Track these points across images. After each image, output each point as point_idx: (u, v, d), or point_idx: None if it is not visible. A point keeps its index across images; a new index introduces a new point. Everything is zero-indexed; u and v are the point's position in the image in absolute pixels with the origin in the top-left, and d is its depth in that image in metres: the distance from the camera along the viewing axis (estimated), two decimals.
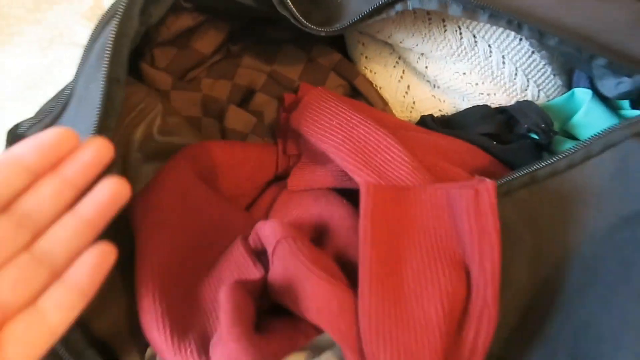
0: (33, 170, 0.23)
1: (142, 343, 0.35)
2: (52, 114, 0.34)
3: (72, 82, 0.35)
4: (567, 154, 0.31)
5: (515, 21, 0.31)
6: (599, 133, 0.30)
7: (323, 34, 0.34)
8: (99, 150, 0.24)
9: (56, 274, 0.24)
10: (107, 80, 0.28)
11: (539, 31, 0.31)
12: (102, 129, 0.29)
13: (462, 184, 0.28)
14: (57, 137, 0.23)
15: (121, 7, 0.29)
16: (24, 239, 0.23)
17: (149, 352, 0.35)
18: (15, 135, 0.34)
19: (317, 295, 0.27)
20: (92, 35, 0.34)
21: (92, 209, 0.24)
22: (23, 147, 0.22)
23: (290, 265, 0.28)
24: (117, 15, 0.29)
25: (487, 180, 0.27)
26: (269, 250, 0.30)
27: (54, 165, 0.23)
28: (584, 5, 0.30)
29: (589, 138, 0.30)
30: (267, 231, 0.31)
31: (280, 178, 0.42)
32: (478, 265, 0.27)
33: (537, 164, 0.31)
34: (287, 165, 0.41)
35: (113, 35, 0.28)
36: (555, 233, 0.30)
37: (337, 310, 0.27)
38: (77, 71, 0.35)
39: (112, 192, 0.24)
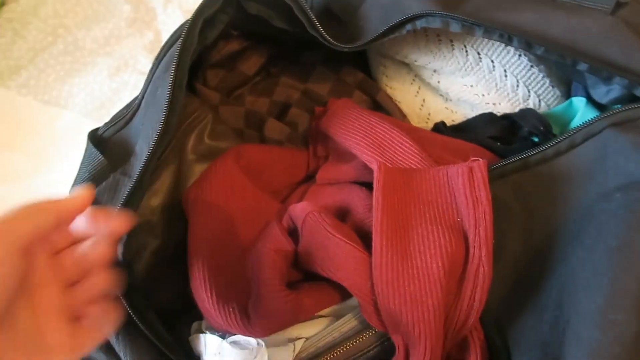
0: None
1: (192, 319, 0.41)
2: (124, 118, 0.42)
3: (140, 94, 0.43)
4: (554, 143, 0.36)
5: (506, 35, 0.37)
6: (581, 125, 0.35)
7: (346, 49, 0.40)
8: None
9: None
10: (173, 84, 0.36)
11: (526, 42, 0.37)
12: (167, 125, 0.36)
13: (459, 165, 0.34)
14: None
15: (185, 28, 0.37)
16: None
17: (194, 326, 0.41)
18: (94, 136, 0.42)
19: (337, 255, 0.32)
20: (159, 54, 0.42)
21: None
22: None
23: (315, 232, 0.34)
24: (182, 35, 0.36)
25: (480, 159, 0.33)
26: (299, 224, 0.36)
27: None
28: (561, 20, 0.36)
29: (573, 129, 0.36)
30: (298, 209, 0.37)
31: (310, 179, 0.48)
32: (474, 229, 0.32)
33: (528, 152, 0.36)
34: (316, 166, 0.47)
35: (179, 49, 0.36)
36: (545, 210, 0.35)
37: (354, 266, 0.32)
38: (145, 84, 0.43)
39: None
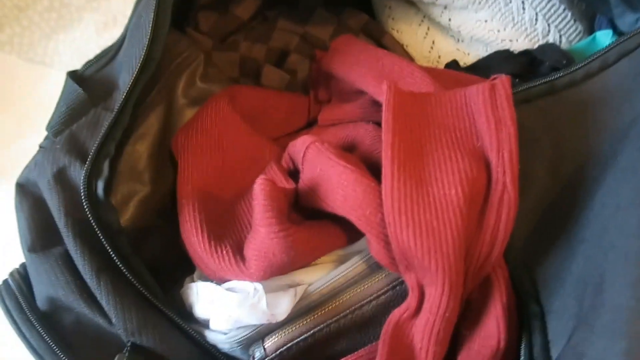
0: None
1: (183, 274, 0.37)
2: (107, 55, 0.38)
3: (124, 30, 0.39)
4: (584, 63, 0.32)
5: None
6: (613, 43, 0.32)
7: None
8: None
9: None
10: (157, 7, 0.32)
11: None
12: (152, 51, 0.33)
13: (479, 84, 0.30)
14: None
15: None
16: None
17: (187, 280, 0.37)
18: (74, 75, 0.38)
19: (342, 184, 0.29)
20: None
21: None
22: None
23: (318, 163, 0.30)
24: None
25: (503, 75, 0.29)
26: (299, 158, 0.33)
27: None
28: None
29: (604, 48, 0.32)
30: (298, 144, 0.33)
31: (312, 126, 0.44)
32: (496, 153, 0.28)
33: (555, 74, 0.32)
34: (318, 112, 0.43)
35: None
36: (575, 136, 0.31)
37: (362, 195, 0.28)
38: (130, 17, 0.39)
39: None
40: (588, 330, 0.22)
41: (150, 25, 0.32)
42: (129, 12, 0.60)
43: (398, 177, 0.27)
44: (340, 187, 0.29)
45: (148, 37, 0.32)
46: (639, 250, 0.22)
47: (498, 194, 0.27)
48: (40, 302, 0.32)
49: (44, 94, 0.57)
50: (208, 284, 0.32)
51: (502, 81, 0.29)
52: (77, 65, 0.57)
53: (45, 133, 0.55)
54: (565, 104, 0.32)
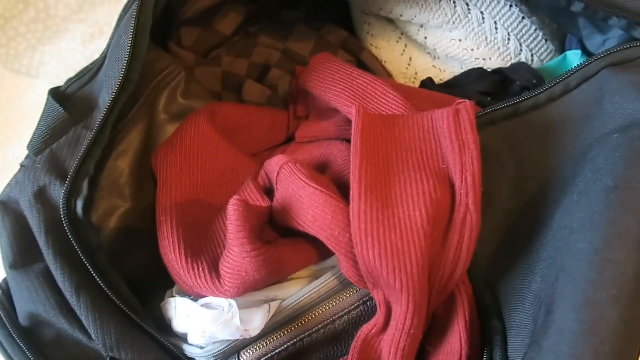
0: None
1: (164, 286, 0.38)
2: (88, 73, 0.39)
3: (105, 47, 0.40)
4: (546, 87, 0.33)
5: None
6: (574, 67, 0.33)
7: None
8: None
9: None
10: (135, 28, 0.33)
11: None
12: (130, 72, 0.34)
13: (444, 108, 0.31)
14: None
15: None
16: None
17: (167, 294, 0.38)
18: (55, 93, 0.39)
19: (313, 205, 0.30)
20: (125, 6, 0.39)
21: None
22: None
23: (290, 183, 0.32)
24: None
25: (466, 100, 0.30)
26: (273, 177, 0.34)
27: None
28: None
29: (566, 72, 0.33)
30: (273, 163, 0.34)
31: (291, 140, 0.45)
32: (460, 175, 0.29)
33: (519, 97, 0.33)
34: (297, 127, 0.45)
35: None
36: (538, 158, 0.32)
37: (331, 217, 0.29)
38: (111, 36, 0.40)
39: None
40: (537, 350, 0.23)
41: (129, 46, 0.33)
42: (114, 24, 0.61)
43: (365, 200, 0.29)
44: (310, 208, 0.30)
45: (127, 58, 0.33)
46: (585, 273, 0.23)
47: (461, 215, 0.29)
48: (22, 317, 0.33)
49: (30, 104, 0.58)
50: (185, 299, 0.33)
51: (465, 106, 0.30)
52: (63, 76, 0.58)
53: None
54: (528, 126, 0.33)
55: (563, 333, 0.22)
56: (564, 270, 0.25)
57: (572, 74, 0.33)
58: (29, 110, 0.58)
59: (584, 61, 0.33)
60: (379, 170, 0.30)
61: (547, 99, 0.33)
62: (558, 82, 0.33)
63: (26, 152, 0.56)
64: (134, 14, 0.33)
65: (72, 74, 0.58)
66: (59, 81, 0.58)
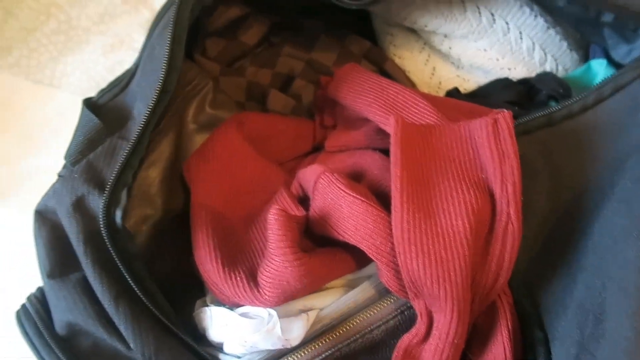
0: None
1: (194, 298, 0.38)
2: (120, 84, 0.40)
3: (136, 59, 0.41)
4: (580, 97, 0.33)
5: None
6: (608, 77, 0.33)
7: (354, 7, 0.38)
8: None
9: None
10: (172, 39, 0.33)
11: None
12: (167, 83, 0.34)
13: (482, 118, 0.31)
14: None
15: None
16: None
17: (198, 303, 0.38)
18: (89, 103, 0.39)
19: (354, 214, 0.30)
20: (156, 18, 0.40)
21: None
22: None
23: (329, 193, 0.32)
24: None
25: (505, 110, 0.31)
26: (310, 188, 0.34)
27: None
28: None
29: (600, 82, 0.33)
30: (308, 172, 0.35)
31: (317, 150, 0.46)
32: (500, 185, 0.29)
33: (553, 107, 0.34)
34: (323, 136, 0.45)
35: (178, 3, 0.33)
36: (573, 167, 0.32)
37: (372, 226, 0.30)
38: (141, 49, 0.40)
39: None
40: (590, 359, 0.23)
41: (166, 58, 0.33)
42: (135, 35, 0.61)
43: (407, 209, 0.29)
44: (351, 217, 0.30)
45: (163, 70, 0.34)
46: (635, 282, 0.23)
47: (503, 224, 0.29)
48: (59, 327, 0.33)
49: (52, 115, 0.58)
50: (222, 309, 0.33)
51: (504, 116, 0.30)
52: (85, 86, 0.59)
53: (49, 153, 0.56)
54: (563, 136, 0.33)
55: (618, 341, 0.22)
56: (612, 279, 0.25)
57: (606, 83, 0.33)
58: (51, 120, 0.58)
59: (617, 71, 0.33)
60: (419, 180, 0.30)
61: (581, 108, 0.34)
62: (591, 92, 0.33)
63: (48, 161, 0.56)
64: (171, 25, 0.34)
65: (93, 84, 0.59)
66: (81, 92, 0.58)
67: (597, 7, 0.34)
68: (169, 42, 0.33)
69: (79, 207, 0.33)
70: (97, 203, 0.32)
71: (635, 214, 0.26)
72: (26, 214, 0.36)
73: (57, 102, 0.58)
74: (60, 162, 0.39)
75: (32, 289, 0.46)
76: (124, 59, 0.59)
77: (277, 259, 0.30)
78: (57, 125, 0.58)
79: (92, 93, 0.58)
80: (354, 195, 0.30)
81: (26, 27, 0.62)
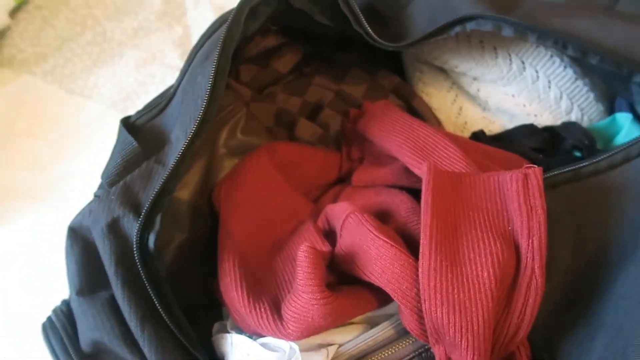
0: None
1: (213, 319, 0.39)
2: (158, 106, 0.41)
3: (175, 82, 0.42)
4: (608, 155, 0.34)
5: (561, 41, 0.36)
6: (637, 138, 0.34)
7: (391, 48, 0.39)
8: None
9: None
10: (216, 71, 0.35)
11: (581, 50, 0.36)
12: (207, 113, 0.35)
13: (512, 171, 0.32)
14: None
15: (231, 15, 0.35)
16: None
17: (216, 326, 0.39)
18: (127, 123, 0.41)
19: (381, 257, 0.31)
20: (197, 45, 0.41)
21: None
22: None
23: (357, 233, 0.33)
24: (228, 22, 0.35)
25: (535, 166, 0.31)
26: (338, 225, 0.35)
27: None
28: (619, 29, 0.35)
29: (628, 142, 0.34)
30: (337, 209, 0.35)
31: (342, 181, 0.47)
32: (527, 239, 0.30)
33: (580, 163, 0.34)
34: (349, 168, 0.46)
35: (224, 36, 0.35)
36: (597, 223, 0.33)
37: (399, 270, 0.30)
38: (181, 74, 0.41)
39: None
40: None
41: (208, 89, 0.34)
42: (167, 51, 0.63)
43: (435, 257, 0.30)
44: (379, 260, 0.31)
45: (205, 100, 0.35)
46: None
47: (527, 279, 0.30)
48: (84, 343, 0.34)
49: (80, 125, 0.59)
50: (243, 337, 0.34)
51: (535, 172, 0.31)
52: (116, 98, 0.60)
53: (79, 161, 0.57)
54: (588, 192, 0.34)
55: None
56: (633, 344, 0.26)
57: (634, 143, 0.34)
58: (78, 130, 0.59)
59: None
60: (447, 228, 0.31)
61: (608, 166, 0.34)
62: (619, 151, 0.34)
63: (74, 169, 0.57)
64: (216, 57, 0.35)
65: (124, 96, 0.60)
66: (111, 103, 0.60)
67: (629, 68, 0.35)
68: (212, 73, 0.35)
69: (114, 228, 0.34)
70: (131, 226, 0.33)
71: None
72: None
73: (87, 111, 0.60)
74: (89, 170, 0.40)
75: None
76: (155, 74, 0.61)
77: (304, 296, 0.31)
78: (87, 134, 0.59)
79: (122, 105, 0.60)
80: (383, 238, 0.31)
81: (61, 35, 0.63)
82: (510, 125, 0.47)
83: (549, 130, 0.45)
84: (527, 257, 0.30)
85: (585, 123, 0.46)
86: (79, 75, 0.61)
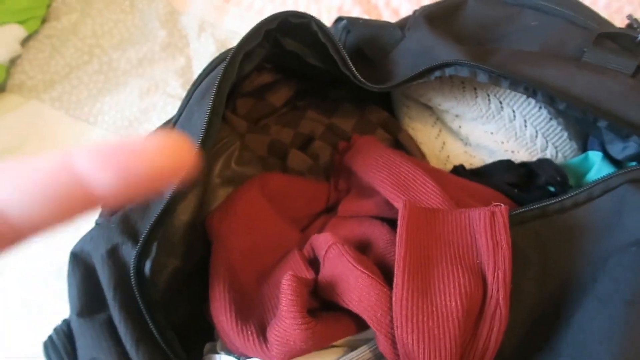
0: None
1: (203, 341, 0.41)
2: None
3: (174, 117, 0.45)
4: (572, 194, 0.37)
5: (531, 88, 0.39)
6: (599, 179, 0.37)
7: (376, 89, 0.42)
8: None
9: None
10: (211, 111, 0.38)
11: (550, 97, 0.39)
12: (203, 149, 0.38)
13: (481, 208, 0.35)
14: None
15: (228, 59, 0.39)
16: None
17: (207, 347, 0.41)
18: None
19: (358, 287, 0.33)
20: (195, 82, 0.44)
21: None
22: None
23: (338, 264, 0.35)
24: (225, 65, 0.38)
25: (502, 205, 0.34)
26: (321, 254, 0.37)
27: None
28: (585, 79, 0.38)
29: (591, 182, 0.37)
30: (320, 239, 0.38)
31: (330, 210, 0.49)
32: (492, 272, 0.33)
33: (547, 201, 0.37)
34: (337, 199, 0.49)
35: (220, 78, 0.38)
36: (561, 259, 0.36)
37: (375, 299, 0.33)
38: (179, 109, 0.45)
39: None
40: None
41: (204, 127, 0.37)
42: (170, 80, 0.66)
43: (407, 287, 0.32)
44: (356, 289, 0.33)
45: (200, 137, 0.37)
46: None
47: (492, 309, 0.32)
48: None
49: None
50: (230, 358, 0.36)
51: (501, 210, 0.34)
52: (119, 124, 0.63)
53: None
54: (554, 228, 0.37)
55: None
56: None
57: (597, 184, 0.37)
58: None
59: (608, 173, 0.37)
60: (420, 261, 0.33)
61: (573, 204, 0.37)
62: (583, 190, 0.37)
63: None
64: (212, 97, 0.38)
65: (126, 123, 0.63)
66: (115, 129, 0.63)
67: (593, 114, 0.38)
68: (208, 113, 0.38)
69: (113, 255, 0.36)
70: (129, 253, 0.36)
71: (611, 316, 0.29)
72: None
73: (92, 137, 0.63)
74: None
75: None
76: (157, 103, 0.64)
77: (287, 321, 0.33)
78: None
79: (125, 132, 0.62)
80: (361, 269, 0.34)
81: (70, 64, 0.67)
82: (489, 160, 0.50)
83: (524, 166, 0.47)
84: (492, 289, 0.32)
85: (559, 160, 0.49)
86: (85, 102, 0.64)
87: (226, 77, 0.39)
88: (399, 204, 0.36)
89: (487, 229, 0.34)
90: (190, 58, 0.68)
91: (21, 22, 0.65)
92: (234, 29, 0.69)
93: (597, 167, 0.45)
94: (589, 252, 0.35)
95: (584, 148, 0.49)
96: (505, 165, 0.48)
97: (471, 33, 0.45)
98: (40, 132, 0.63)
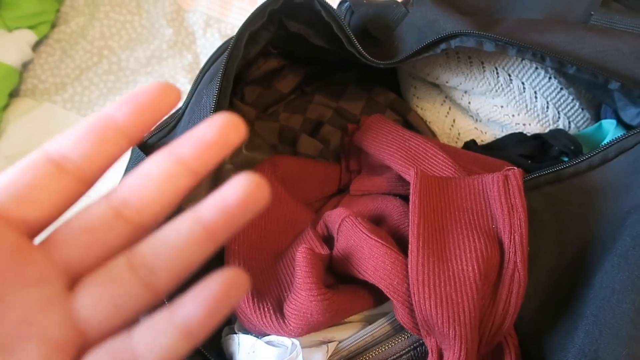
0: (129, 134, 0.17)
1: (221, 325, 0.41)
2: (168, 126, 0.44)
3: (183, 104, 0.45)
4: (587, 156, 0.36)
5: (539, 54, 0.39)
6: (613, 140, 0.36)
7: (382, 65, 0.42)
8: (227, 127, 0.17)
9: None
10: (219, 92, 0.38)
11: (559, 61, 0.38)
12: None
13: (494, 173, 0.34)
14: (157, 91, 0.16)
15: (232, 40, 0.39)
16: (122, 233, 0.16)
17: (225, 330, 0.41)
18: (139, 142, 0.44)
19: (374, 256, 0.33)
20: (203, 68, 0.45)
21: (218, 212, 0.16)
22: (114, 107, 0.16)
23: (352, 235, 0.35)
24: (229, 46, 0.39)
25: (515, 167, 0.34)
26: (335, 228, 0.37)
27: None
28: (593, 41, 0.37)
29: (606, 143, 0.36)
30: (333, 215, 0.38)
31: (342, 192, 0.49)
32: (509, 235, 0.32)
33: (561, 165, 0.37)
34: (348, 180, 0.48)
35: (226, 59, 0.38)
36: (578, 221, 0.35)
37: (390, 267, 0.33)
38: (188, 95, 0.45)
39: (249, 192, 0.17)
40: None
41: (212, 108, 0.38)
42: (179, 77, 0.66)
43: (422, 254, 0.32)
44: (371, 259, 0.33)
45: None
46: (628, 331, 0.26)
47: (510, 272, 0.32)
48: None
49: None
50: (249, 336, 0.36)
51: (514, 173, 0.33)
52: None
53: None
54: (569, 192, 0.36)
55: None
56: (607, 328, 0.27)
57: (611, 145, 0.36)
58: None
59: (622, 134, 0.36)
60: (434, 227, 0.33)
61: (587, 167, 0.37)
62: (598, 152, 0.36)
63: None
64: (219, 78, 0.38)
65: None
66: None
67: (604, 76, 0.37)
68: (216, 94, 0.38)
69: None
70: None
71: (631, 269, 0.29)
72: None
73: None
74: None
75: None
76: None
77: (303, 294, 0.33)
78: None
79: None
80: (375, 238, 0.33)
81: (80, 66, 0.68)
82: (501, 135, 0.50)
83: (537, 137, 0.47)
84: (509, 252, 0.32)
85: (572, 130, 0.48)
86: (96, 102, 0.65)
87: (232, 59, 0.39)
88: (410, 174, 0.36)
89: (501, 192, 0.33)
90: (198, 54, 0.68)
91: (32, 27, 0.66)
92: (240, 23, 0.69)
93: (612, 134, 0.45)
94: (607, 213, 0.34)
95: (597, 118, 0.49)
96: (518, 137, 0.47)
97: (475, 5, 0.45)
98: (54, 132, 0.64)
